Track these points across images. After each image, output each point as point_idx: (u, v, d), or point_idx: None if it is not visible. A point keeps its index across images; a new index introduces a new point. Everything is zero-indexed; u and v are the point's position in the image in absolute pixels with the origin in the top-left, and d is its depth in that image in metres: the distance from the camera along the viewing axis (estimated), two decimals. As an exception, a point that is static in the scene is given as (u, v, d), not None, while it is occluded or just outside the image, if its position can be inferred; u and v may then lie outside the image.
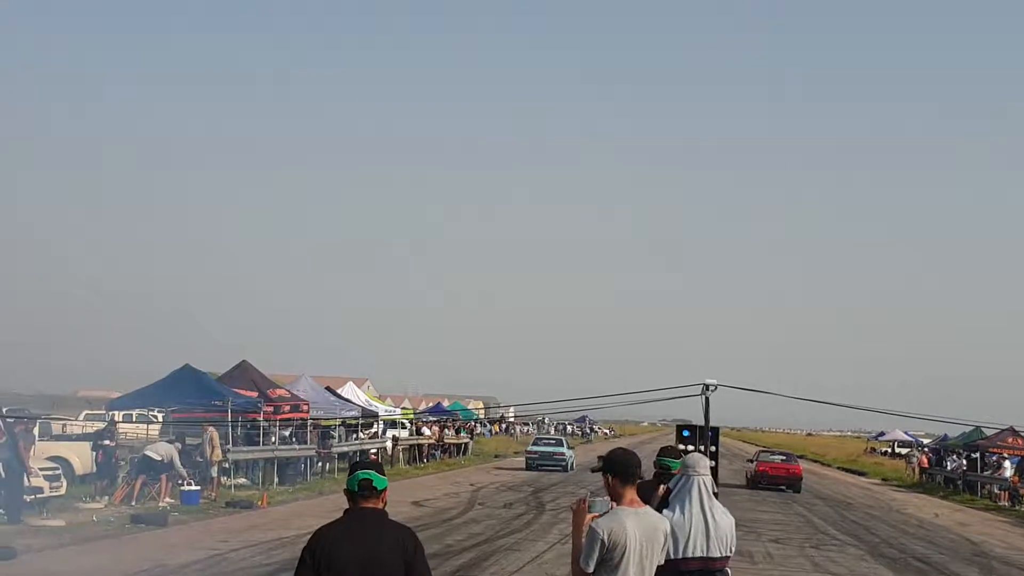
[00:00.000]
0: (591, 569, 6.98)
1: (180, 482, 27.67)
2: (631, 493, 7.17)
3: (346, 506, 6.32)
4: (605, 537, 6.92)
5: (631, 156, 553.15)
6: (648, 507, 7.47)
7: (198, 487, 27.75)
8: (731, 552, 8.59)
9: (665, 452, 9.90)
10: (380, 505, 6.27)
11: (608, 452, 7.40)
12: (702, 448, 15.59)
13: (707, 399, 16.10)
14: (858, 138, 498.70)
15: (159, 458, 27.60)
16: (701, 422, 17.17)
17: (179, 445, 29.19)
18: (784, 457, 51.12)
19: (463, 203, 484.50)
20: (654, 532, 7.09)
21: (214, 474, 29.64)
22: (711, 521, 8.35)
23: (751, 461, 52.17)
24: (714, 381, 16.11)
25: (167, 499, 27.07)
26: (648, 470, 8.73)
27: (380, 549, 6.09)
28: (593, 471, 7.44)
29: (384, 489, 6.28)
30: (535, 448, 53.57)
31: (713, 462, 16.61)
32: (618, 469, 7.18)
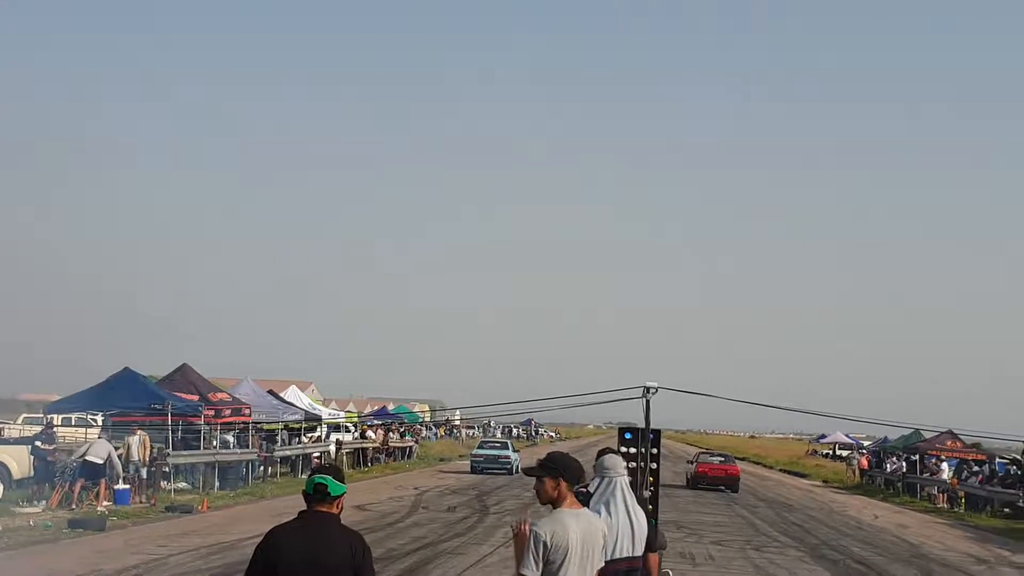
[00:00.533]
0: (536, 573, 6.95)
1: (116, 481, 27.58)
2: (572, 496, 7.19)
3: (300, 508, 6.39)
4: (548, 539, 6.90)
5: (574, 156, 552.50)
6: (586, 509, 7.47)
7: (127, 486, 27.83)
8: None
9: (605, 454, 9.90)
10: (335, 510, 6.36)
11: (549, 455, 7.38)
12: (643, 450, 15.53)
13: (647, 402, 16.07)
14: (778, 138, 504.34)
15: (100, 461, 27.39)
16: (633, 422, 17.16)
17: (116, 443, 29.14)
18: (723, 459, 52.20)
19: (410, 204, 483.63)
20: (594, 533, 7.11)
21: (144, 475, 29.39)
22: (635, 520, 8.37)
23: (691, 463, 52.87)
24: (655, 383, 16.10)
25: (105, 503, 26.84)
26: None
27: (328, 553, 6.17)
28: (528, 474, 7.39)
29: (340, 495, 6.37)
30: (480, 451, 53.60)
31: (655, 464, 16.63)
32: (566, 471, 7.17)
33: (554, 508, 7.13)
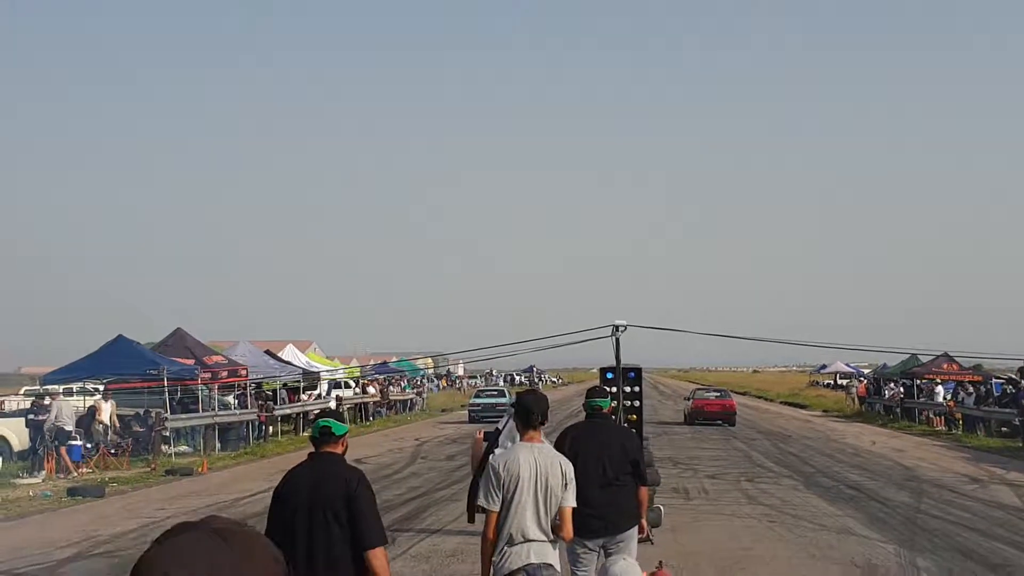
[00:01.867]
0: (495, 505, 7.14)
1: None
2: (532, 433, 7.38)
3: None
4: (500, 469, 7.17)
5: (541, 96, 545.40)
6: (547, 444, 7.59)
7: (81, 442, 28.12)
8: None
9: (592, 393, 9.93)
10: (339, 449, 6.77)
11: (517, 395, 7.62)
12: (614, 389, 15.58)
13: (617, 340, 16.14)
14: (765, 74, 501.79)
15: (70, 427, 27.81)
16: (640, 363, 17.22)
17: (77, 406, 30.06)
18: (719, 394, 52.48)
19: (402, 167, 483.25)
20: (551, 466, 7.22)
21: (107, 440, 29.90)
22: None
23: (688, 399, 53.16)
24: (623, 322, 16.18)
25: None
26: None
27: (327, 484, 6.51)
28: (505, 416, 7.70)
29: (343, 435, 6.82)
30: (477, 400, 53.47)
31: (637, 402, 16.72)
32: (519, 412, 7.51)
33: (509, 441, 7.39)
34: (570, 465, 7.51)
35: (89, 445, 28.30)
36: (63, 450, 27.40)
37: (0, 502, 22.33)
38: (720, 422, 47.23)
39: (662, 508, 17.86)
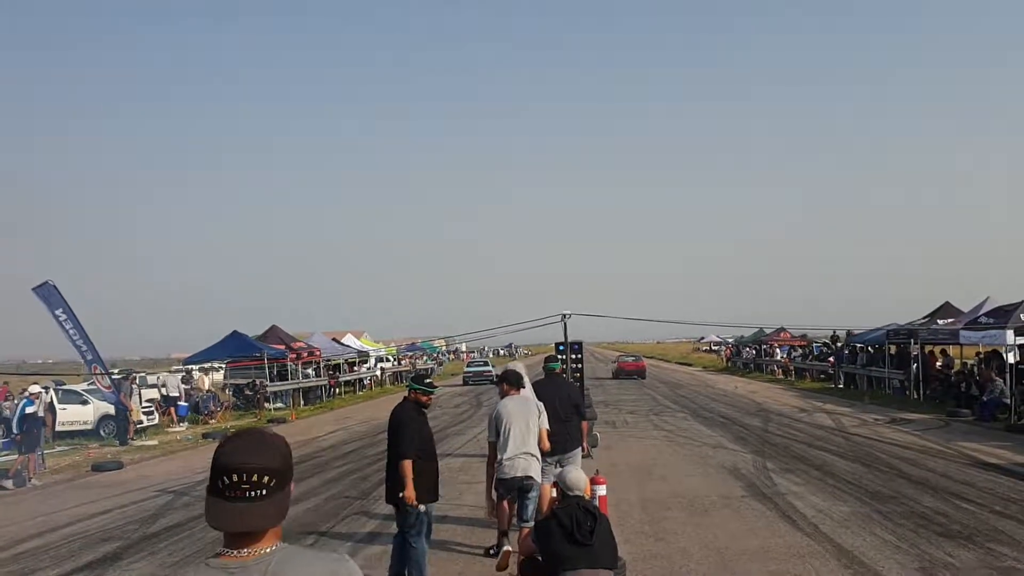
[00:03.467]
0: (494, 437, 7.81)
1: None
2: (513, 391, 7.87)
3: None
4: (495, 415, 7.83)
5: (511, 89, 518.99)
6: (524, 393, 7.83)
7: (186, 403, 28.12)
8: None
9: (549, 359, 10.19)
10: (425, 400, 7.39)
11: (503, 371, 8.42)
12: (562, 357, 15.58)
13: (565, 324, 16.14)
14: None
15: (176, 393, 27.72)
16: (582, 339, 17.22)
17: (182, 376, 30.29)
18: (634, 358, 52.91)
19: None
20: (526, 405, 7.69)
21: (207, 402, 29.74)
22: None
23: (614, 363, 53.06)
24: (569, 311, 16.18)
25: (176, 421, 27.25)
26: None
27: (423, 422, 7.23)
28: (495, 383, 8.21)
29: (430, 394, 7.42)
30: (469, 369, 51.51)
31: (580, 364, 16.72)
32: (506, 378, 8.07)
33: (503, 398, 7.72)
34: (540, 404, 7.95)
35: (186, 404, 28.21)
36: (172, 410, 27.36)
37: (158, 443, 22.17)
38: (636, 377, 47.15)
39: (598, 435, 17.91)
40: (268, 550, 1.88)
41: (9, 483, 15.52)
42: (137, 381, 26.35)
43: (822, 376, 38.72)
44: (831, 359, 37.20)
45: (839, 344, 36.75)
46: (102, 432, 23.55)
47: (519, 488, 7.57)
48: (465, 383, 47.48)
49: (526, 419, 7.65)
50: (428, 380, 7.58)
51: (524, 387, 8.13)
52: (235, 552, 1.88)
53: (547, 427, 7.83)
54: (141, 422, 24.21)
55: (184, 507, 12.34)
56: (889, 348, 29.43)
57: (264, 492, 1.88)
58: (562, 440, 8.66)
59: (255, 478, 1.87)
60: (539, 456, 7.71)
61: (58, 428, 22.91)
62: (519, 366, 8.66)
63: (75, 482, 15.90)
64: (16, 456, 16.31)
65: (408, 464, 6.91)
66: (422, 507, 6.98)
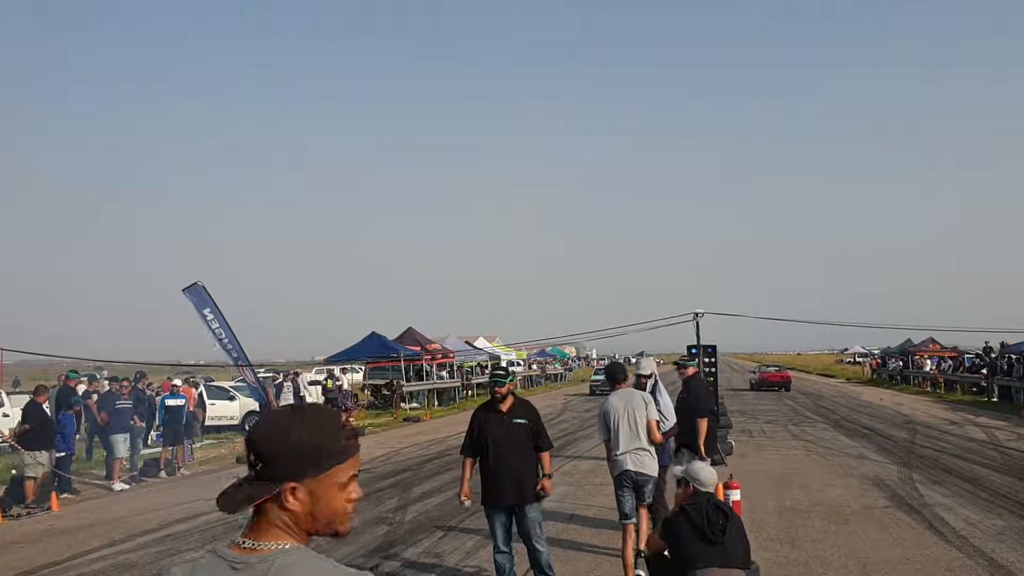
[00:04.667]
0: (605, 436, 7.60)
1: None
2: (618, 385, 7.71)
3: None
4: (603, 411, 7.62)
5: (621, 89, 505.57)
6: (630, 388, 7.71)
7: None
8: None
9: (682, 358, 10.19)
10: (504, 391, 6.87)
11: (606, 366, 8.15)
12: (695, 361, 15.26)
13: (697, 323, 15.72)
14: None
15: (302, 393, 28.28)
16: (710, 341, 16.79)
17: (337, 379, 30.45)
18: (778, 368, 50.24)
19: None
20: (632, 398, 7.48)
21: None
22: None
23: (754, 372, 50.76)
24: (702, 310, 15.75)
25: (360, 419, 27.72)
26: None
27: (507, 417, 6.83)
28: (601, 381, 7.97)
29: (507, 383, 6.89)
30: (596, 377, 49.86)
31: (714, 368, 16.30)
32: (611, 373, 7.83)
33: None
34: (648, 395, 7.80)
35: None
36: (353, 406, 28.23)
37: (299, 439, 23.01)
38: (779, 388, 45.13)
39: (732, 442, 17.44)
40: (277, 547, 1.59)
41: (162, 473, 16.48)
42: (284, 380, 27.35)
43: (974, 389, 36.42)
44: (984, 371, 34.97)
45: (993, 355, 34.51)
46: (247, 427, 24.68)
47: (634, 483, 7.36)
48: (592, 392, 43.54)
49: (632, 411, 7.42)
50: (500, 369, 7.07)
51: (629, 380, 7.90)
52: (244, 542, 1.62)
53: (656, 418, 7.53)
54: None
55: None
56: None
57: (252, 472, 1.62)
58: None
59: (251, 456, 1.63)
60: (652, 451, 7.41)
61: (206, 423, 24.14)
62: (651, 363, 8.50)
63: (220, 473, 16.71)
64: (160, 448, 17.28)
65: (463, 461, 7.06)
66: (467, 503, 7.06)
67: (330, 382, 29.31)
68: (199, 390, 23.88)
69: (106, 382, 18.52)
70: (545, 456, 6.84)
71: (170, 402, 17.41)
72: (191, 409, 22.08)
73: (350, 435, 1.67)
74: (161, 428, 17.25)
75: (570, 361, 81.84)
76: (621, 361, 7.68)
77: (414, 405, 33.01)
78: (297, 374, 27.90)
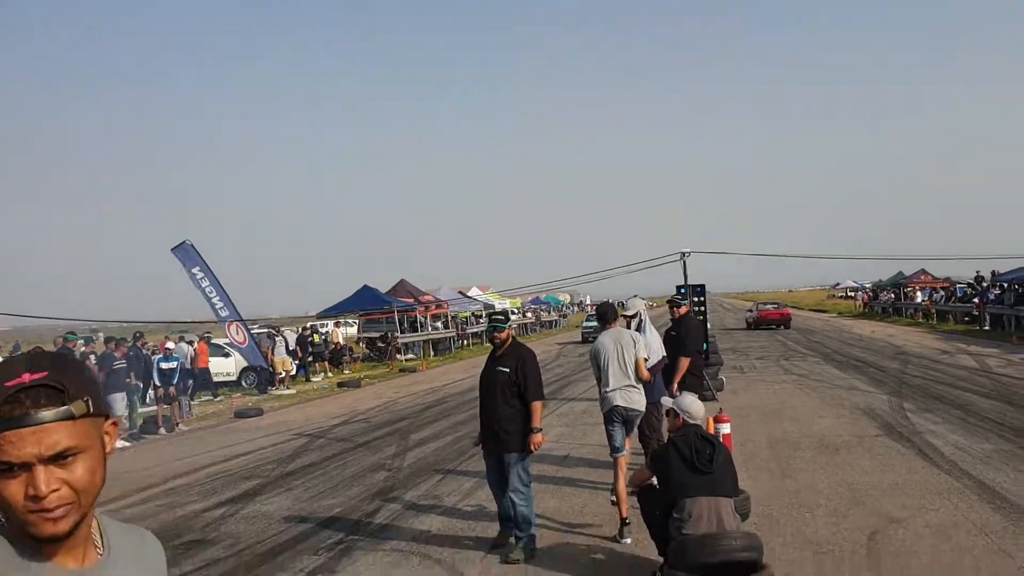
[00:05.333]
0: (597, 373, 7.58)
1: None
2: (607, 325, 7.70)
3: (482, 362, 7.15)
4: (593, 350, 7.63)
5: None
6: (619, 327, 7.70)
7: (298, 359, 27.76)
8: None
9: (673, 298, 10.32)
10: (504, 336, 6.91)
11: (597, 306, 8.19)
12: (686, 300, 15.27)
13: (684, 263, 15.74)
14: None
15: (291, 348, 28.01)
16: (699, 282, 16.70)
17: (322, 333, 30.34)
18: (776, 305, 48.92)
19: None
20: (620, 336, 7.47)
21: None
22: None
23: (751, 311, 48.61)
24: (688, 249, 15.76)
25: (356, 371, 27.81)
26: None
27: (505, 356, 6.82)
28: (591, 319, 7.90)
29: (506, 328, 6.95)
30: (588, 324, 49.02)
31: (704, 307, 16.35)
32: (601, 313, 7.87)
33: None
34: (636, 333, 7.82)
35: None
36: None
37: (296, 392, 23.19)
38: (779, 326, 43.21)
39: (724, 379, 17.59)
40: None
41: (161, 430, 16.63)
42: (281, 333, 27.19)
43: (966, 318, 36.69)
44: (976, 300, 35.21)
45: (984, 284, 34.71)
46: (244, 383, 24.82)
47: (623, 419, 7.42)
48: (584, 340, 40.54)
49: (621, 348, 7.45)
50: (497, 315, 7.06)
51: (619, 319, 7.90)
52: None
53: (644, 355, 7.55)
54: (282, 374, 25.11)
55: (319, 448, 12.89)
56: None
57: None
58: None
59: None
60: (641, 388, 7.45)
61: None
62: (638, 302, 8.52)
63: (219, 428, 16.86)
64: (156, 407, 17.41)
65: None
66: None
67: (317, 337, 29.37)
68: (191, 348, 23.90)
69: (103, 343, 18.57)
70: (535, 407, 6.63)
71: (163, 365, 17.47)
72: (204, 364, 22.22)
73: None
74: (159, 389, 17.35)
75: (564, 307, 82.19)
76: (626, 302, 7.67)
77: (410, 356, 33.17)
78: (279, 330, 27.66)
